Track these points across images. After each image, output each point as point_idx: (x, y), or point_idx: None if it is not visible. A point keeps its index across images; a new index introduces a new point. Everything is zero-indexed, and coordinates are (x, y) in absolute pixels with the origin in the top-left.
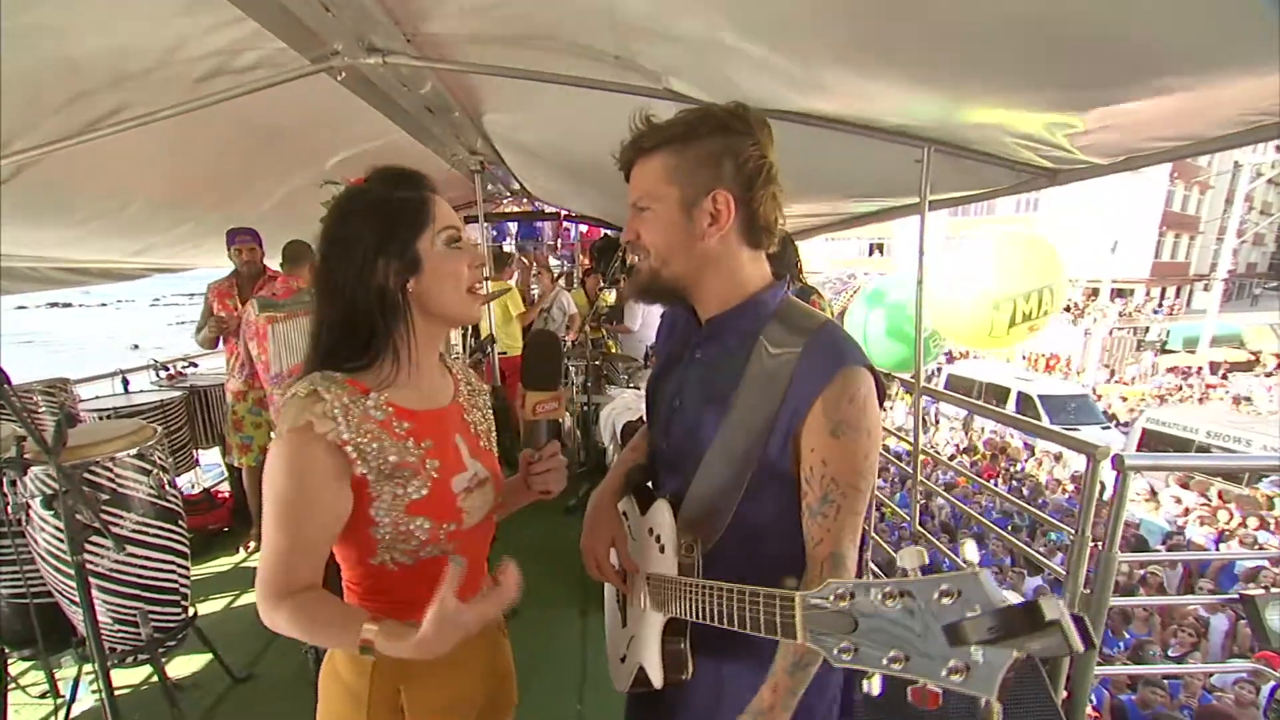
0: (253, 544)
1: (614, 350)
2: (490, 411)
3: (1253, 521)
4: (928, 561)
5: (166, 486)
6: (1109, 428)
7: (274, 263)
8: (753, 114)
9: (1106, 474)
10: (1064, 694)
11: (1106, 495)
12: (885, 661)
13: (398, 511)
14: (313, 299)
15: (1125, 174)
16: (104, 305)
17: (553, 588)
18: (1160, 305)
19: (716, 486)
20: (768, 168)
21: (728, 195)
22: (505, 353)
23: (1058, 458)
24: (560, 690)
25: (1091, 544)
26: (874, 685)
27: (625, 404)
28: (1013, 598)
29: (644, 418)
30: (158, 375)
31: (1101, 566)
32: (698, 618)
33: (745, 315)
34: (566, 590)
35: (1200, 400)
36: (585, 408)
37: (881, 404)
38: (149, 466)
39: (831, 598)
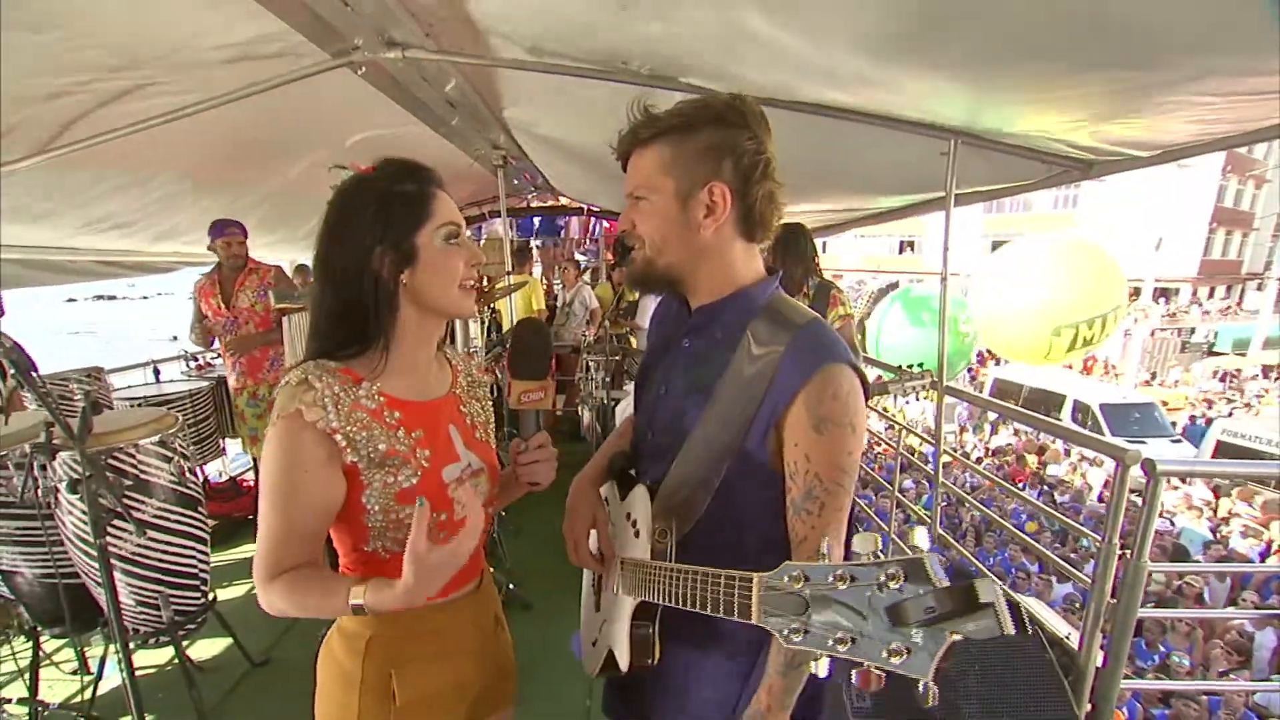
0: None
1: (634, 345)
2: (490, 404)
3: None
4: (880, 547)
5: (187, 473)
6: (1180, 440)
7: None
8: (749, 106)
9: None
10: (1088, 707)
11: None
12: (831, 643)
13: (388, 499)
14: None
15: (1171, 167)
16: (146, 298)
17: (562, 579)
18: (1205, 305)
19: (694, 475)
20: (765, 162)
21: (724, 188)
22: None
23: (1097, 462)
24: (570, 680)
25: (1121, 552)
26: (821, 667)
27: None
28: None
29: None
30: (187, 365)
31: (1129, 575)
32: (665, 600)
33: (734, 307)
34: (576, 582)
35: (1246, 406)
36: (605, 403)
37: (866, 401)
38: (170, 454)
39: (786, 579)
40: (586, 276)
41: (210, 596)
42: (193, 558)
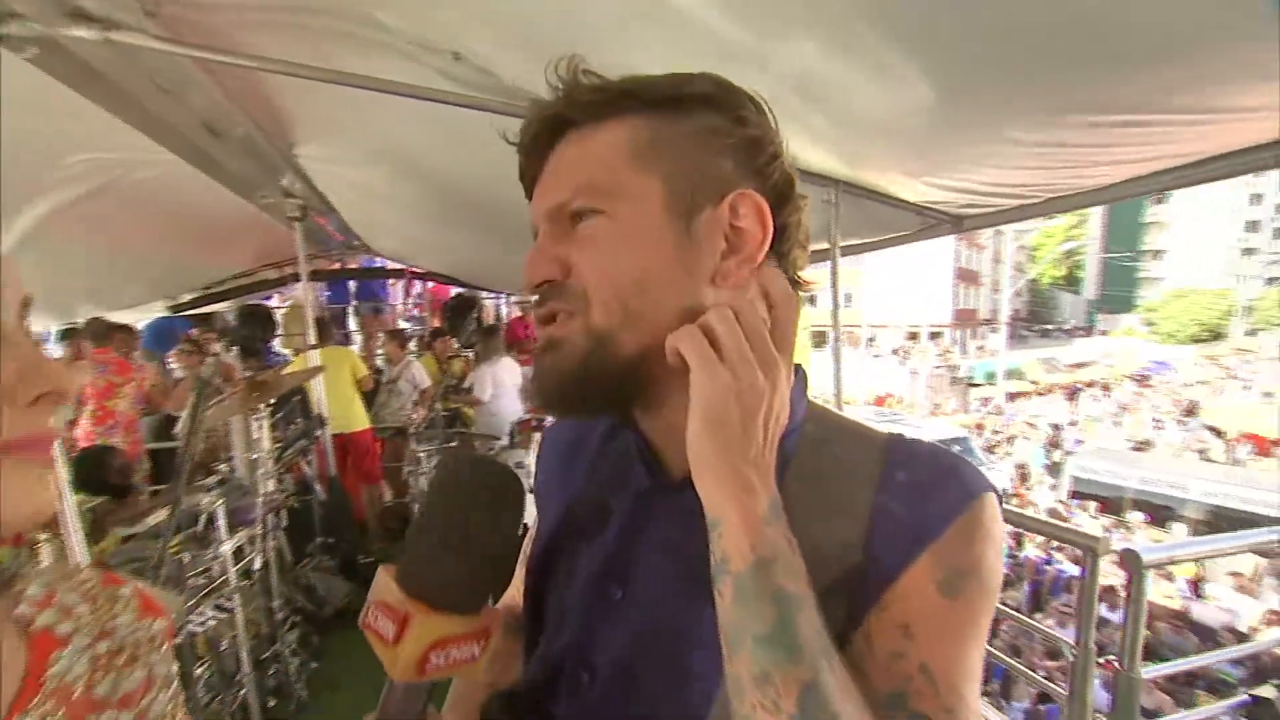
0: None
1: (471, 426)
2: (175, 668)
3: None
4: None
5: None
6: (991, 468)
7: None
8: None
9: None
10: None
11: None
12: None
13: None
14: None
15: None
16: None
17: None
18: (965, 346)
19: None
20: (789, 173)
21: (759, 202)
22: (341, 431)
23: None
24: None
25: (1101, 660)
26: None
27: None
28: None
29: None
30: None
31: (1121, 690)
32: None
33: None
34: None
35: (1010, 432)
36: None
37: None
38: None
39: None
40: (413, 347)
41: None
42: None
